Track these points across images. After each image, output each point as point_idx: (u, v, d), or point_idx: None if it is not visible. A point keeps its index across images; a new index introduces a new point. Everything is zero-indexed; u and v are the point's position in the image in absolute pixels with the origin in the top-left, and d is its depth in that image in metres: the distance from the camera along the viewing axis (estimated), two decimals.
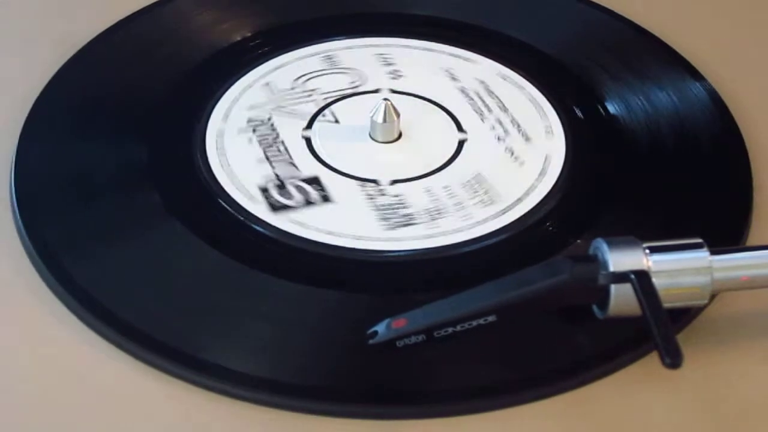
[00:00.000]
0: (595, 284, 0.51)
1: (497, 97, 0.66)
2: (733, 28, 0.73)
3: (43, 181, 0.61)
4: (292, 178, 0.61)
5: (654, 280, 0.51)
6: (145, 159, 0.61)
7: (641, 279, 0.51)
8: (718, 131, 0.65)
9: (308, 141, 0.63)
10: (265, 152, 0.62)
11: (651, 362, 0.52)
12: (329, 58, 0.68)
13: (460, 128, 0.64)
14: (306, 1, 0.72)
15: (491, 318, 0.51)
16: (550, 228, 0.59)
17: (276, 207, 0.59)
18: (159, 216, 0.59)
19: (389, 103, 0.62)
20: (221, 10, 0.71)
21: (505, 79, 0.67)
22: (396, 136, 0.63)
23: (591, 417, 0.52)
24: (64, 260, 0.56)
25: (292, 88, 0.66)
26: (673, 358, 0.48)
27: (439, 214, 0.59)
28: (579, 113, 0.65)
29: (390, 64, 0.68)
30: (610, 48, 0.70)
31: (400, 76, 0.67)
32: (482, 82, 0.66)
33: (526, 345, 0.53)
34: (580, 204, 0.60)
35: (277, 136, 0.63)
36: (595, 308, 0.53)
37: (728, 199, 0.61)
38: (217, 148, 0.62)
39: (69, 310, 0.55)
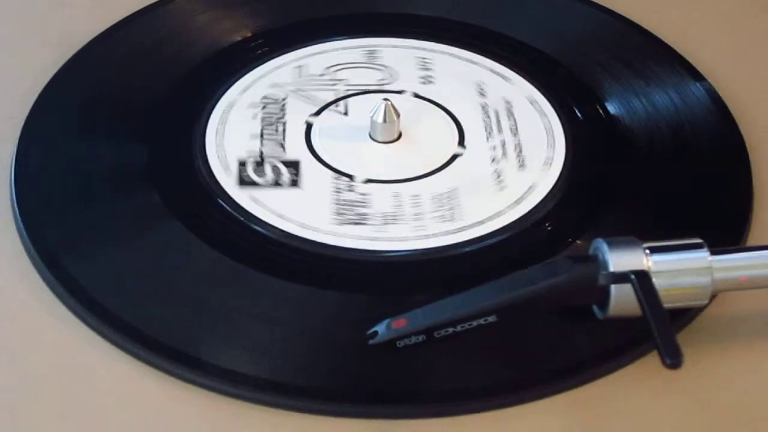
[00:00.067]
0: (595, 284, 0.51)
1: (515, 119, 0.64)
2: (733, 29, 0.73)
3: (43, 181, 0.61)
4: (273, 157, 0.61)
5: (654, 280, 0.51)
6: (145, 159, 0.61)
7: (641, 279, 0.51)
8: (718, 131, 0.65)
9: (309, 127, 0.63)
10: (262, 129, 0.63)
11: (651, 362, 0.52)
12: (371, 53, 0.68)
13: (461, 142, 0.63)
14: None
15: (491, 318, 0.51)
16: (550, 228, 0.59)
17: (244, 182, 0.59)
18: (159, 216, 0.59)
19: (389, 103, 0.62)
20: (221, 10, 0.71)
21: (531, 104, 0.65)
22: (395, 137, 0.63)
23: (591, 417, 0.52)
24: (64, 260, 0.56)
25: (321, 75, 0.66)
26: (673, 358, 0.48)
27: (393, 220, 0.58)
28: (579, 113, 0.65)
29: (427, 69, 0.67)
30: (609, 48, 0.70)
31: (431, 82, 0.67)
32: (507, 102, 0.65)
33: (526, 345, 0.53)
34: (580, 204, 0.60)
35: (282, 116, 0.63)
36: (595, 308, 0.53)
37: (728, 199, 0.61)
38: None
39: (69, 310, 0.55)
